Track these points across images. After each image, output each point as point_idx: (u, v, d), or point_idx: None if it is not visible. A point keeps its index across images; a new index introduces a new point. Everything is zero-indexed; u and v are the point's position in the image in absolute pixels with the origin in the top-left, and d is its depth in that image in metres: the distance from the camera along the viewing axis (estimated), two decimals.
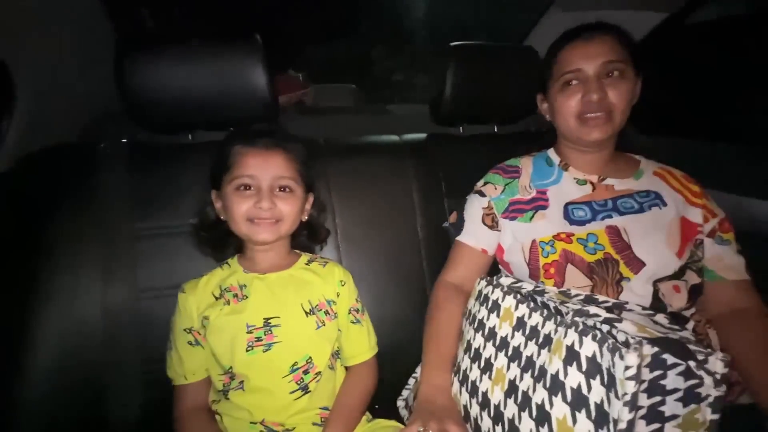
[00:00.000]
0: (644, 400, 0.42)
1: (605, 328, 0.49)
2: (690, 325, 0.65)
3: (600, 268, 0.67)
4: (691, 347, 0.44)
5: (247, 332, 0.63)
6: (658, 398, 0.42)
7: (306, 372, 0.64)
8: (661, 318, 0.55)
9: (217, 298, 0.66)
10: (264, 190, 0.65)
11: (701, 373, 0.41)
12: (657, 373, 0.42)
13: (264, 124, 0.84)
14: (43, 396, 0.66)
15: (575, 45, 0.72)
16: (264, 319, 0.64)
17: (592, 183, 0.76)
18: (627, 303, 0.59)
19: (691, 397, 0.42)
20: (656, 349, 0.43)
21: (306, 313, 0.66)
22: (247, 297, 0.66)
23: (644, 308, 0.58)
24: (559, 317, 0.53)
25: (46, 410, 0.66)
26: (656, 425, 0.42)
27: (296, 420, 0.63)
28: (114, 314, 0.70)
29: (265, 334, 0.63)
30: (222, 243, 0.72)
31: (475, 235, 0.80)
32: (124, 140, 0.80)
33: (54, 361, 0.67)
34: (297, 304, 0.67)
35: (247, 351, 0.62)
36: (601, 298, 0.60)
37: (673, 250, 0.67)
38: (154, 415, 0.68)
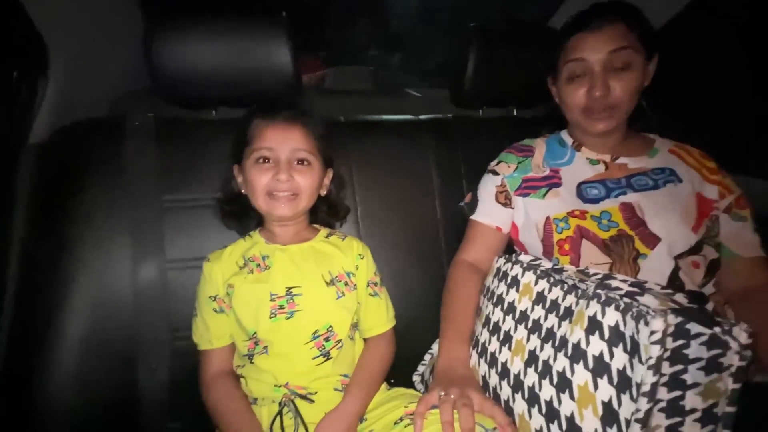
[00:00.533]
0: (666, 368, 0.42)
1: (626, 301, 0.49)
2: (709, 306, 0.65)
3: (615, 245, 0.67)
4: (715, 318, 0.44)
5: (270, 300, 0.65)
6: (680, 366, 0.42)
7: (327, 339, 0.66)
8: (680, 297, 0.55)
9: (241, 268, 0.68)
10: (282, 162, 0.66)
11: (726, 339, 0.42)
12: (680, 342, 0.42)
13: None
14: (79, 360, 0.69)
15: (583, 35, 0.71)
16: (286, 288, 0.66)
17: (605, 162, 0.76)
18: (646, 282, 0.59)
19: (713, 366, 0.42)
20: (680, 318, 0.43)
21: (326, 283, 0.68)
22: (269, 267, 0.68)
23: (663, 287, 0.59)
24: (579, 291, 0.54)
25: (82, 373, 0.69)
26: (677, 392, 0.42)
27: (319, 384, 0.65)
28: (143, 283, 0.72)
29: (287, 303, 0.65)
30: (245, 216, 0.74)
31: (489, 214, 0.81)
32: (151, 115, 0.82)
33: (89, 327, 0.70)
34: (318, 275, 0.68)
35: (270, 318, 0.64)
36: (619, 276, 0.60)
37: (689, 225, 0.67)
38: (183, 379, 0.71)
